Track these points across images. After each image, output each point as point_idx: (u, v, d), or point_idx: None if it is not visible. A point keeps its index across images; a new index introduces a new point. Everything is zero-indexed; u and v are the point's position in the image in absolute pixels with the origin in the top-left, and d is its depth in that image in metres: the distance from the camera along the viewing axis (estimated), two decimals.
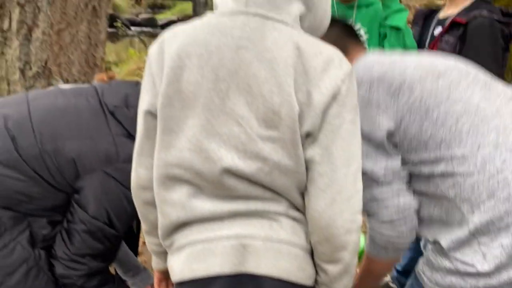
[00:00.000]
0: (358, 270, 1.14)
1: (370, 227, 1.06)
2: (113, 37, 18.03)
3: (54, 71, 2.31)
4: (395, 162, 1.02)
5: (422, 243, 1.26)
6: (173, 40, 0.89)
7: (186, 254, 0.89)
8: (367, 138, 0.98)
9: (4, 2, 2.22)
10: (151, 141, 0.92)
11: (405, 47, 1.78)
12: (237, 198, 0.87)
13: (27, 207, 1.25)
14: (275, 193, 0.87)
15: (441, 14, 1.75)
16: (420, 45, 1.80)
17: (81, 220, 1.24)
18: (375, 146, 1.00)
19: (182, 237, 0.90)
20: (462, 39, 1.57)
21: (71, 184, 1.25)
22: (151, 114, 0.91)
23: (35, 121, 1.24)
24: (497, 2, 5.75)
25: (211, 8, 0.97)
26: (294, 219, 0.89)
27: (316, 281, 0.93)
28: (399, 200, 1.01)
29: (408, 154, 1.02)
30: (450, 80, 1.03)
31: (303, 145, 0.85)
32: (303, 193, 0.89)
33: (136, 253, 1.75)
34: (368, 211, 1.03)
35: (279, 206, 0.88)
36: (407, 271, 1.53)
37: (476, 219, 0.94)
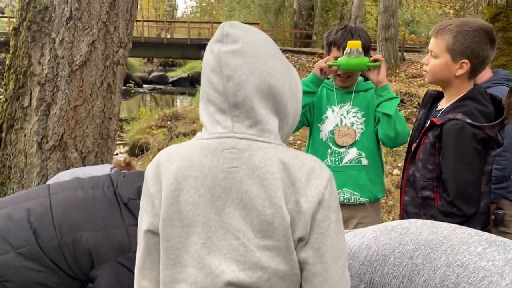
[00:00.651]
0: None
1: None
2: (126, 94, 18.72)
3: (70, 144, 2.42)
4: None
5: None
6: (169, 164, 0.97)
7: None
8: None
9: (26, 81, 2.37)
10: (152, 256, 1.00)
11: (396, 132, 1.86)
12: None
13: None
14: None
15: (440, 105, 1.76)
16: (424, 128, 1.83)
17: None
18: None
19: None
20: (439, 139, 1.59)
21: (86, 273, 1.30)
22: (152, 233, 0.99)
23: (55, 214, 1.33)
24: (495, 60, 5.92)
25: None
26: None
27: None
28: None
29: None
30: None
31: (295, 248, 0.94)
32: None
33: None
34: None
35: None
36: None
37: None
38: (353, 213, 2.01)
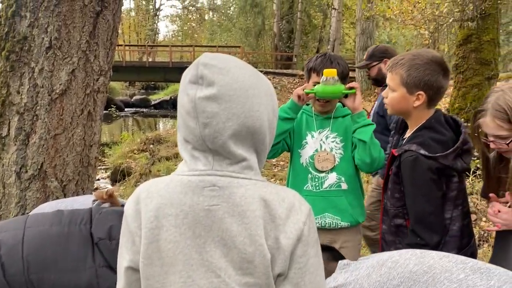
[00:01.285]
0: None
1: None
2: (107, 118, 18.58)
3: (49, 173, 2.39)
4: None
5: None
6: (149, 201, 0.96)
7: None
8: None
9: (4, 111, 2.35)
10: None
11: (371, 158, 1.90)
12: None
13: None
14: None
15: (406, 133, 1.79)
16: None
17: None
18: None
19: None
20: (400, 169, 1.63)
21: None
22: (133, 269, 0.98)
23: (26, 249, 1.30)
24: (469, 80, 6.10)
25: None
26: None
27: None
28: None
29: None
30: None
31: (275, 283, 0.94)
32: None
33: None
34: None
35: None
36: None
37: None
38: (335, 238, 2.02)
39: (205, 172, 0.95)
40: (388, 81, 1.71)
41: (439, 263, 1.16)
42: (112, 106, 16.30)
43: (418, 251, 1.24)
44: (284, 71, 23.49)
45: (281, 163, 7.05)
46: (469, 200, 4.88)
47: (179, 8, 50.69)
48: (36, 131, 2.33)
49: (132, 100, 29.07)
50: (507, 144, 1.53)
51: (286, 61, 28.00)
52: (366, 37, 16.08)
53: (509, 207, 1.62)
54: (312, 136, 2.05)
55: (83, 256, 1.31)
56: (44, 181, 2.39)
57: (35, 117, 2.33)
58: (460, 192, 1.67)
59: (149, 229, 0.94)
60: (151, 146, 9.10)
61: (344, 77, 1.98)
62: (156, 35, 47.71)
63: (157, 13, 47.12)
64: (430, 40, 9.48)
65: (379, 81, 3.06)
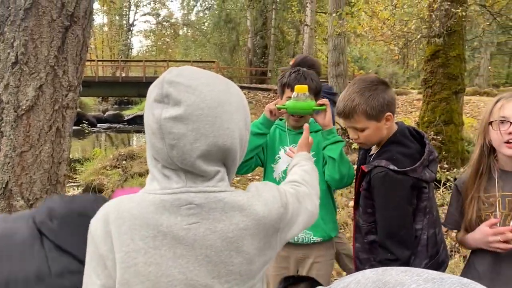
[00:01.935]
0: None
1: None
2: (79, 134, 18.20)
3: (15, 192, 2.31)
4: None
5: None
6: (120, 222, 0.91)
7: None
8: None
9: None
10: None
11: (340, 175, 1.91)
12: None
13: None
14: None
15: (372, 148, 1.81)
16: None
17: None
18: None
19: None
20: (370, 185, 1.65)
21: None
22: None
23: None
24: (438, 94, 6.27)
25: None
26: None
27: None
28: None
29: None
30: None
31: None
32: None
33: None
34: None
35: None
36: None
37: None
38: (308, 253, 2.02)
39: (178, 190, 0.92)
40: (352, 125, 1.69)
41: (395, 278, 1.16)
42: (84, 121, 16.03)
43: (380, 269, 1.24)
44: (259, 86, 23.66)
45: (257, 177, 7.05)
46: (440, 211, 4.99)
47: (153, 24, 50.61)
48: (1, 148, 2.26)
49: (104, 115, 28.62)
50: None
51: (260, 76, 28.24)
52: (338, 52, 16.39)
53: None
54: (285, 151, 2.05)
55: (30, 245, 1.24)
56: (10, 200, 2.30)
57: (0, 134, 2.26)
58: (429, 201, 1.69)
59: (125, 252, 0.89)
60: (124, 162, 8.94)
61: (317, 93, 1.99)
62: (130, 50, 47.39)
63: (131, 28, 46.89)
64: (400, 56, 9.73)
65: None
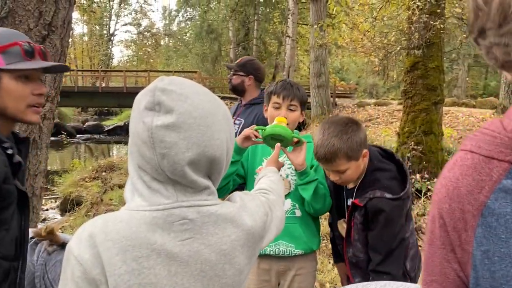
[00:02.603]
0: None
1: None
2: (58, 145, 17.88)
3: None
4: None
5: None
6: (110, 244, 0.86)
7: None
8: None
9: None
10: None
11: (314, 210, 1.90)
12: None
13: None
14: None
15: (349, 184, 1.82)
16: (340, 202, 1.87)
17: None
18: None
19: None
20: (366, 216, 1.68)
21: None
22: None
23: None
24: (418, 105, 6.37)
25: None
26: None
27: None
28: None
29: None
30: None
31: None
32: None
33: None
34: None
35: None
36: None
37: None
38: (290, 265, 1.99)
39: (170, 205, 0.89)
40: (333, 169, 1.70)
41: None
42: (63, 132, 15.74)
43: (360, 285, 1.25)
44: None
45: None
46: (421, 221, 5.03)
47: (134, 34, 50.46)
48: None
49: (84, 126, 28.21)
50: None
51: None
52: (319, 63, 16.58)
53: None
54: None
55: None
56: None
57: None
58: (410, 209, 1.79)
59: (118, 275, 0.84)
60: (104, 173, 8.80)
61: (303, 103, 1.99)
62: (110, 60, 47.01)
63: (111, 38, 46.58)
64: (380, 67, 9.89)
65: (238, 91, 3.12)
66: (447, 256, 0.62)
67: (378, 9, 7.93)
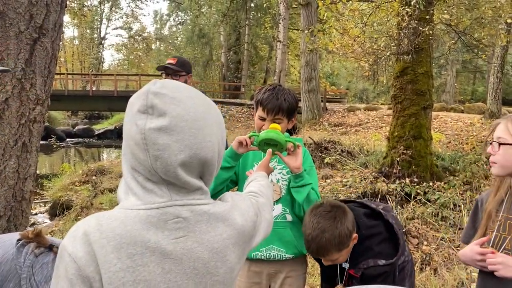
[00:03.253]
0: None
1: None
2: (48, 149, 17.69)
3: None
4: None
5: None
6: (105, 242, 0.87)
7: None
8: None
9: None
10: None
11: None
12: None
13: None
14: None
15: None
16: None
17: None
18: None
19: None
20: (365, 282, 1.70)
21: None
22: None
23: None
24: (407, 110, 6.42)
25: None
26: None
27: None
28: None
29: None
30: None
31: None
32: None
33: None
34: None
35: None
36: None
37: None
38: (280, 268, 2.00)
39: (164, 204, 0.91)
40: (327, 259, 1.73)
41: None
42: (53, 136, 15.58)
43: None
44: (232, 100, 23.73)
45: None
46: (410, 224, 5.06)
47: (125, 38, 50.21)
48: None
49: (74, 130, 28.01)
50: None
51: (234, 90, 28.34)
52: (310, 68, 16.67)
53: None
54: None
55: None
56: None
57: None
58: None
59: (113, 272, 0.85)
60: (94, 177, 8.74)
61: (290, 113, 1.94)
62: (101, 64, 46.74)
63: (102, 42, 46.35)
64: (370, 72, 9.97)
65: None
66: None
67: (368, 15, 8.01)
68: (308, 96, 16.75)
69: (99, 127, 30.12)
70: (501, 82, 13.97)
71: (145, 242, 0.88)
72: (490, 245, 1.63)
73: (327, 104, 20.75)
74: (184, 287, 0.91)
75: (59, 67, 39.69)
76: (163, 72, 3.46)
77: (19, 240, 1.35)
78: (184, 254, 0.91)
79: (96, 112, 36.59)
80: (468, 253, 1.65)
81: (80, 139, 25.72)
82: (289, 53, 24.48)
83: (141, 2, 43.11)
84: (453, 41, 8.80)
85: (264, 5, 22.21)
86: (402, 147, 6.40)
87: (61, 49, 44.38)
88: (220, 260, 0.96)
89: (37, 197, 8.51)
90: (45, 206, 8.07)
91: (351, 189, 6.32)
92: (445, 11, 6.86)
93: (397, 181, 6.13)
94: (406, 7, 6.25)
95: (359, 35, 8.41)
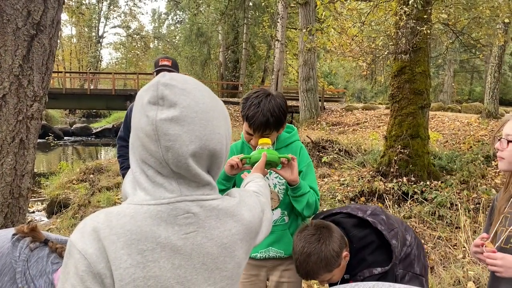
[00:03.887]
0: None
1: None
2: (45, 147, 17.65)
3: None
4: None
5: None
6: (115, 238, 0.86)
7: None
8: None
9: None
10: None
11: (303, 216, 1.94)
12: None
13: None
14: None
15: None
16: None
17: None
18: None
19: None
20: None
21: None
22: None
23: None
24: (405, 109, 6.43)
25: None
26: None
27: None
28: None
29: None
30: None
31: None
32: None
33: None
34: None
35: None
36: None
37: None
38: (280, 261, 2.01)
39: (174, 199, 0.91)
40: (320, 280, 1.73)
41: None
42: (50, 134, 15.56)
43: (348, 286, 1.26)
44: (230, 99, 23.71)
45: None
46: (407, 223, 5.09)
47: (123, 36, 50.10)
48: None
49: (72, 128, 27.93)
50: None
51: (232, 89, 28.32)
52: (308, 67, 16.67)
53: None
54: None
55: None
56: None
57: None
58: None
59: (124, 269, 0.85)
60: (91, 176, 8.72)
61: (279, 124, 1.86)
62: (99, 63, 46.64)
63: (100, 41, 46.23)
64: (368, 72, 9.99)
65: None
66: None
67: (366, 14, 8.02)
68: (306, 95, 16.76)
69: (97, 126, 30.05)
70: (498, 82, 14.00)
71: (155, 237, 0.88)
72: (497, 240, 1.66)
73: (325, 103, 20.77)
74: (193, 282, 0.91)
75: (57, 65, 39.58)
76: (156, 71, 3.54)
77: (14, 234, 1.36)
78: (194, 249, 0.91)
79: (94, 110, 36.50)
80: (472, 248, 1.71)
81: (78, 138, 25.66)
82: (287, 52, 24.48)
83: (139, 0, 43.09)
84: (451, 41, 8.82)
85: (263, 4, 22.19)
86: (399, 146, 6.41)
87: (59, 47, 44.29)
88: (229, 256, 0.96)
89: (34, 195, 8.49)
90: (42, 204, 8.05)
91: (349, 188, 6.33)
92: (443, 11, 6.87)
93: (395, 180, 6.14)
94: (404, 6, 6.26)
95: (357, 34, 8.42)
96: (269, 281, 2.04)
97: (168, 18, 42.34)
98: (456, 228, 4.85)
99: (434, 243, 4.54)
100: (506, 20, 7.37)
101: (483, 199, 5.40)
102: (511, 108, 22.49)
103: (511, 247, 1.61)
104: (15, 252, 1.34)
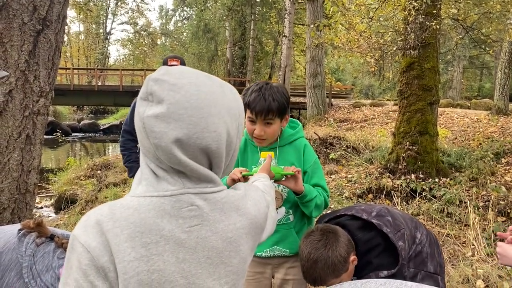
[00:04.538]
0: None
1: None
2: (53, 143, 17.76)
3: None
4: None
5: None
6: (118, 231, 0.84)
7: None
8: None
9: None
10: None
11: (311, 216, 1.92)
12: None
13: None
14: None
15: None
16: None
17: None
18: None
19: None
20: None
21: None
22: None
23: None
24: (413, 105, 6.38)
25: None
26: None
27: None
28: None
29: None
30: None
31: None
32: None
33: None
34: None
35: None
36: None
37: None
38: (285, 259, 1.99)
39: (177, 191, 0.88)
40: (328, 285, 1.68)
41: (368, 285, 1.17)
42: (58, 130, 15.64)
43: (359, 282, 1.24)
44: None
45: None
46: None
47: (131, 33, 50.23)
48: None
49: (80, 124, 28.11)
50: None
51: (239, 86, 28.26)
52: (315, 64, 16.59)
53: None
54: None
55: None
56: None
57: None
58: None
59: (127, 262, 0.83)
60: (99, 172, 8.76)
61: (282, 111, 1.83)
62: (107, 59, 46.81)
63: (108, 37, 46.39)
64: (376, 68, 9.91)
65: None
66: None
67: (374, 10, 7.94)
68: (313, 92, 16.69)
69: (105, 122, 30.22)
70: (508, 78, 13.82)
71: (159, 230, 0.86)
72: None
73: (332, 99, 20.68)
74: (197, 277, 0.89)
75: (65, 62, 39.81)
76: None
77: (20, 230, 1.35)
78: (198, 243, 0.89)
79: (102, 107, 36.70)
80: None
81: (86, 134, 25.83)
82: (295, 48, 24.38)
83: None
84: (460, 36, 8.71)
85: (270, 0, 22.11)
86: (407, 143, 6.35)
87: (67, 44, 44.54)
88: (234, 250, 0.94)
89: (42, 191, 8.55)
90: (50, 200, 8.10)
91: (356, 185, 6.29)
92: (453, 6, 6.78)
93: (403, 177, 6.09)
94: (413, 1, 6.18)
95: (365, 30, 8.35)
96: (275, 279, 2.02)
97: (175, 15, 42.33)
98: (465, 225, 4.80)
99: (443, 241, 4.49)
100: None
101: (492, 196, 5.34)
102: None
103: None
104: (21, 247, 1.33)
